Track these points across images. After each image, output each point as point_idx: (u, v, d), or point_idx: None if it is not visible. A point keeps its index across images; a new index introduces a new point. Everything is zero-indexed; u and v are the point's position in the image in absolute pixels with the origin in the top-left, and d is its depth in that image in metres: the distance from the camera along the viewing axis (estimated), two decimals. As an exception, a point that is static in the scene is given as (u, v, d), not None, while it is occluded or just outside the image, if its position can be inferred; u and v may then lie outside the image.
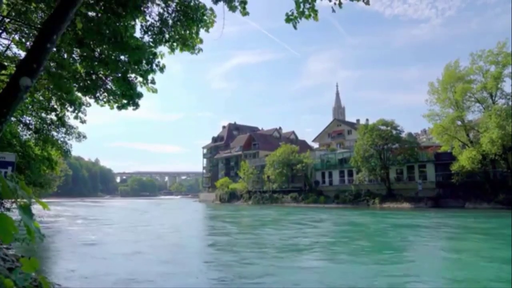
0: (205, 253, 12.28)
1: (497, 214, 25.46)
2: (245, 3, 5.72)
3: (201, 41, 6.67)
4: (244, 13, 5.75)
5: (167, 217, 31.70)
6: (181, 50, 6.60)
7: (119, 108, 7.37)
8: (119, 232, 18.04)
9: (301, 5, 4.86)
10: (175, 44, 6.53)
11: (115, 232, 17.88)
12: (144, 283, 7.99)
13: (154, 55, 6.80)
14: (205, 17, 6.40)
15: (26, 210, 1.09)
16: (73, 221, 24.57)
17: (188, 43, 6.54)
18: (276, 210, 38.37)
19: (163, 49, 6.81)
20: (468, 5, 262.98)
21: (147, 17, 6.44)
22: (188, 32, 6.48)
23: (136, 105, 7.30)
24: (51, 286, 6.19)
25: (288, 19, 4.90)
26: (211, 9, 6.40)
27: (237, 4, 5.69)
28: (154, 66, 6.85)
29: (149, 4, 6.36)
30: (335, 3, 4.73)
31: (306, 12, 4.90)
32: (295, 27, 4.96)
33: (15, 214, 1.45)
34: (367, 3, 4.72)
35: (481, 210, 29.72)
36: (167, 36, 6.49)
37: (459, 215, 25.97)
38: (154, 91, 7.26)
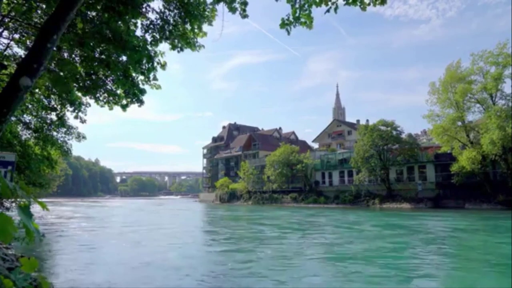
0: (265, 268, 9.16)
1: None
2: (246, 4, 5.67)
3: (205, 34, 6.64)
4: (244, 15, 5.69)
5: (180, 218, 30.17)
6: (183, 47, 6.60)
7: (123, 107, 7.34)
8: (143, 236, 16.40)
9: (297, 10, 4.85)
10: (176, 41, 6.52)
11: (140, 237, 15.99)
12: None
13: (154, 54, 6.80)
14: (206, 13, 6.39)
15: (25, 210, 1.09)
16: (88, 223, 23.41)
17: (189, 40, 6.53)
18: (292, 211, 36.44)
19: (163, 47, 6.82)
20: (468, 6, 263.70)
21: (148, 15, 6.44)
22: (190, 28, 6.47)
23: (141, 102, 7.29)
24: (51, 286, 6.18)
25: (283, 24, 4.89)
26: (212, 4, 6.39)
27: (237, 5, 5.66)
28: (155, 64, 6.85)
29: (150, 2, 6.36)
30: (330, 7, 4.74)
31: (302, 19, 4.89)
32: (288, 33, 4.94)
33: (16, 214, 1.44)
34: (364, 9, 4.72)
35: (481, 211, 29.70)
36: (168, 33, 6.48)
37: (494, 216, 24.30)
38: (158, 87, 7.25)
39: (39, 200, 1.36)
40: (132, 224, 23.27)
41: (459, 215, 26.41)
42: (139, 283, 7.87)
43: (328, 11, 4.77)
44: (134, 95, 7.04)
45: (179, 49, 6.59)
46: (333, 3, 4.74)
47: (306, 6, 4.83)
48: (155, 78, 7.07)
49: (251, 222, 24.65)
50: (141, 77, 7.02)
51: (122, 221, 26.07)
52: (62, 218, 27.52)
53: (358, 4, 4.65)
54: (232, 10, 5.65)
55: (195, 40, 6.61)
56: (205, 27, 6.59)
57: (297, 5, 4.85)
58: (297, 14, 4.87)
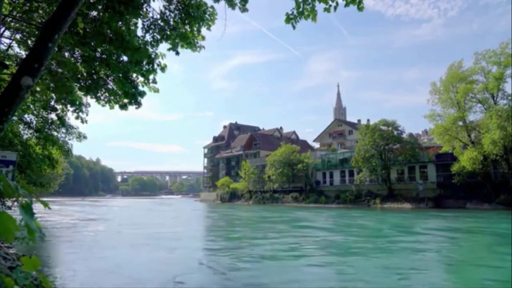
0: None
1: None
2: (246, 0, 5.70)
3: (203, 38, 6.66)
4: (243, 9, 5.71)
5: (202, 220, 28.28)
6: (183, 47, 6.60)
7: (121, 107, 7.35)
8: (186, 244, 14.20)
9: (301, 5, 4.87)
10: (176, 41, 6.53)
11: (173, 242, 14.16)
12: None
13: (155, 55, 6.81)
14: (206, 15, 6.40)
15: (26, 209, 1.09)
16: (109, 225, 21.68)
17: (190, 41, 6.54)
18: (309, 211, 34.56)
19: (164, 48, 6.81)
20: (470, 5, 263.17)
21: (149, 15, 6.45)
22: (189, 30, 6.48)
23: (139, 104, 7.29)
24: (52, 285, 6.20)
25: (288, 19, 4.92)
26: (212, 7, 6.41)
27: (237, 1, 5.68)
28: (155, 66, 6.85)
29: (151, 3, 6.36)
30: (330, 5, 4.75)
31: (305, 13, 4.91)
32: (294, 27, 4.97)
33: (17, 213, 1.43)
34: (361, 9, 4.73)
35: (482, 211, 29.65)
36: (168, 33, 6.49)
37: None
38: (156, 90, 7.25)
39: (40, 199, 1.36)
40: (155, 226, 21.68)
41: (499, 215, 24.97)
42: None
43: (328, 10, 4.78)
44: (133, 96, 7.04)
45: (179, 49, 6.60)
46: (333, 1, 4.76)
47: (309, 0, 4.84)
48: (154, 81, 7.07)
49: (287, 224, 22.14)
50: (141, 79, 7.03)
51: (141, 223, 23.96)
52: (77, 220, 25.43)
53: (356, 3, 4.67)
54: (232, 5, 5.67)
55: (195, 40, 6.62)
56: (205, 29, 6.60)
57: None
58: (301, 9, 4.89)
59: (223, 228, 21.86)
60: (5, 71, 7.57)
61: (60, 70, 7.55)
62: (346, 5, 4.70)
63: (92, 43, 6.51)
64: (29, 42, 7.68)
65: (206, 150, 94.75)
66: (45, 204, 1.33)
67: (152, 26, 6.46)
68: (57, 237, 15.37)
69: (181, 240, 15.18)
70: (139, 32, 6.64)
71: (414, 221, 23.23)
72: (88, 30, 6.28)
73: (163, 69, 6.92)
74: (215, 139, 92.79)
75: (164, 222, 24.97)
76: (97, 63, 6.92)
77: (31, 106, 11.06)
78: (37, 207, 1.43)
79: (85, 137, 14.17)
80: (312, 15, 4.89)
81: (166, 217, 31.12)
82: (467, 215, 26.21)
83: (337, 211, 35.12)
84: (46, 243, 13.08)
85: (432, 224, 21.27)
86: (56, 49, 6.46)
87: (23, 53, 8.41)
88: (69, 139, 13.85)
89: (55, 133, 13.14)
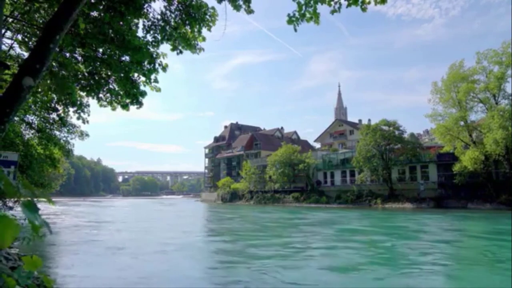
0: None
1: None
2: (249, 1, 5.66)
3: (203, 39, 6.66)
4: (249, 11, 5.64)
5: (220, 222, 26.57)
6: (183, 48, 6.61)
7: (123, 107, 7.36)
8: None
9: (303, 7, 4.85)
10: (177, 42, 6.54)
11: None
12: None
13: (156, 55, 6.81)
14: (207, 16, 6.40)
15: (29, 206, 1.08)
16: (124, 228, 20.52)
17: (190, 42, 6.54)
18: (325, 212, 33.59)
19: (165, 48, 6.83)
20: (471, 5, 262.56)
21: (149, 16, 6.45)
22: (190, 30, 6.48)
23: (140, 104, 7.30)
24: (53, 284, 6.21)
25: (290, 21, 4.90)
26: (213, 8, 6.40)
27: (241, 2, 5.63)
28: (156, 66, 6.86)
29: (151, 3, 6.37)
30: (334, 7, 4.73)
31: (308, 15, 4.89)
32: (295, 29, 4.95)
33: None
34: (364, 9, 4.72)
35: (483, 211, 29.57)
36: (169, 34, 6.50)
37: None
38: (158, 90, 7.26)
39: (42, 200, 1.36)
40: (175, 229, 20.55)
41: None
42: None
43: (335, 11, 4.76)
44: (134, 96, 7.05)
45: (179, 51, 6.60)
46: (336, 2, 4.75)
47: (311, 2, 4.82)
48: (156, 80, 7.07)
49: (324, 227, 20.09)
50: (142, 79, 7.04)
51: (158, 225, 23.09)
52: (91, 222, 24.22)
53: (359, 4, 4.65)
54: (236, 7, 5.61)
55: (196, 42, 6.61)
56: (206, 30, 6.59)
57: (302, 1, 4.84)
58: (302, 11, 4.87)
59: (256, 232, 18.79)
60: (6, 71, 7.57)
61: (61, 70, 7.56)
62: (348, 5, 4.68)
63: (93, 43, 6.52)
64: (30, 43, 7.70)
65: (207, 150, 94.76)
66: (49, 201, 1.33)
67: (153, 27, 6.47)
68: (75, 240, 14.72)
69: (220, 248, 13.20)
70: (140, 33, 6.65)
71: (453, 222, 21.97)
72: (89, 30, 6.29)
73: (164, 68, 6.93)
74: (216, 139, 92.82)
75: (182, 225, 23.69)
76: (98, 63, 6.92)
77: (33, 106, 11.08)
78: (47, 210, 1.38)
79: (87, 135, 14.21)
80: (315, 18, 4.87)
81: (180, 218, 29.87)
82: (495, 215, 25.43)
83: (355, 212, 33.61)
84: (70, 247, 12.79)
85: (478, 227, 19.92)
86: (57, 50, 6.47)
87: (24, 54, 8.42)
88: (71, 138, 13.89)
89: (57, 133, 13.17)
